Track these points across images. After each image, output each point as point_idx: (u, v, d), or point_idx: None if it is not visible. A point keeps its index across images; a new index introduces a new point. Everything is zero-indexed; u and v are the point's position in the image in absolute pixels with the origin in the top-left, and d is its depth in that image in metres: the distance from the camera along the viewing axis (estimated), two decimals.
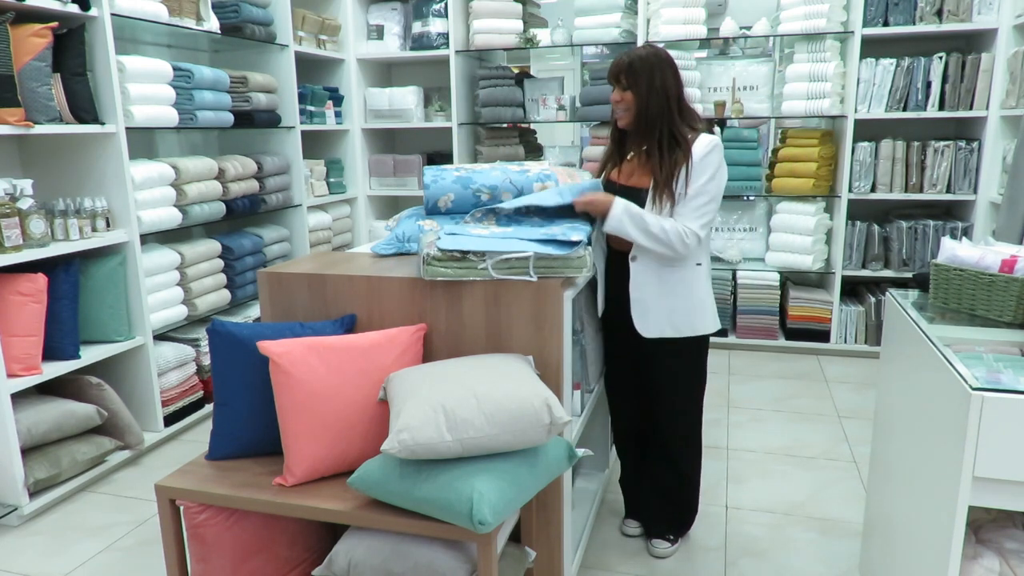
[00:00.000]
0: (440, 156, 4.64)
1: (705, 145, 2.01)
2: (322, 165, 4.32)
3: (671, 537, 2.32)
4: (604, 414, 2.68)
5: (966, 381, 1.29)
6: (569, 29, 4.24)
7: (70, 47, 2.66)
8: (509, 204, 1.99)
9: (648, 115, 2.00)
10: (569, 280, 1.84)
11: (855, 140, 3.95)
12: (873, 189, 4.02)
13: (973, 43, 3.92)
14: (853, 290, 4.40)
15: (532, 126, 4.86)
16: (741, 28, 4.10)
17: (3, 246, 2.46)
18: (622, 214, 1.96)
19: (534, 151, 4.71)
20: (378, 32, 4.49)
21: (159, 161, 3.11)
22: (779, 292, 4.26)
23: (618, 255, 2.15)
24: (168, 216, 3.10)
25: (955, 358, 1.40)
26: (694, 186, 1.99)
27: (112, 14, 2.76)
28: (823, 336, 4.20)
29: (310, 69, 4.30)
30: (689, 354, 2.17)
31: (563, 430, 1.54)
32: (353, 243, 4.67)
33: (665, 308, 2.08)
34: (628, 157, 2.15)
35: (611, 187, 2.15)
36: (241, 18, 3.46)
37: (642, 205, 2.03)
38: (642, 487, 2.39)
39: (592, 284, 2.26)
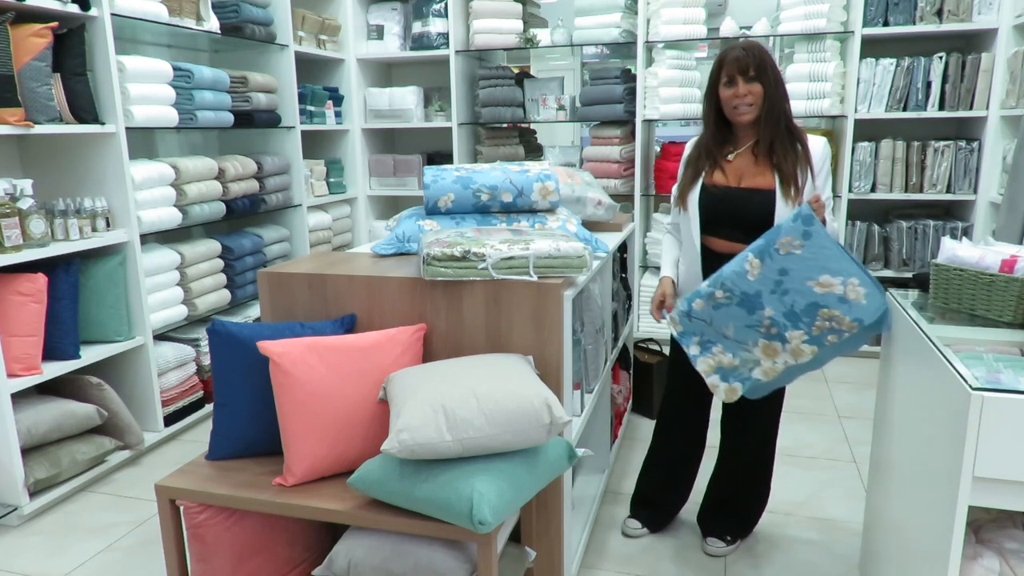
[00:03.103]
0: (440, 156, 4.64)
1: (821, 144, 2.02)
2: (322, 165, 4.32)
3: (728, 538, 2.32)
4: (604, 414, 2.68)
5: (966, 381, 1.29)
6: (569, 29, 4.24)
7: (70, 47, 2.66)
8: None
9: (776, 107, 1.98)
10: (569, 280, 1.84)
11: (855, 140, 3.95)
12: (873, 189, 4.02)
13: (973, 43, 3.92)
14: None
15: (532, 126, 4.86)
16: (741, 28, 4.10)
17: (3, 246, 2.46)
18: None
19: (534, 151, 4.71)
20: (378, 32, 4.49)
21: (159, 161, 3.11)
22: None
23: (719, 257, 2.01)
24: (168, 216, 3.10)
25: (955, 358, 1.40)
26: (820, 182, 2.00)
27: (112, 14, 2.76)
28: None
29: (310, 69, 4.30)
30: None
31: (563, 430, 1.54)
32: (353, 243, 4.67)
33: None
34: (729, 158, 2.06)
35: (717, 191, 2.05)
36: (241, 18, 3.46)
37: (768, 207, 1.97)
38: (711, 489, 2.38)
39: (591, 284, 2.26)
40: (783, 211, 1.96)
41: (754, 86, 1.96)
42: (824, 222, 1.84)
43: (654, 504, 2.45)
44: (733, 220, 2.02)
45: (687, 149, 2.19)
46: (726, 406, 2.26)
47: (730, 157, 2.07)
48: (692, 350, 1.97)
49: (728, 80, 1.98)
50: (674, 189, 2.20)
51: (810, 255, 1.78)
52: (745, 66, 1.95)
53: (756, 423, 2.24)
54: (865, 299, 1.77)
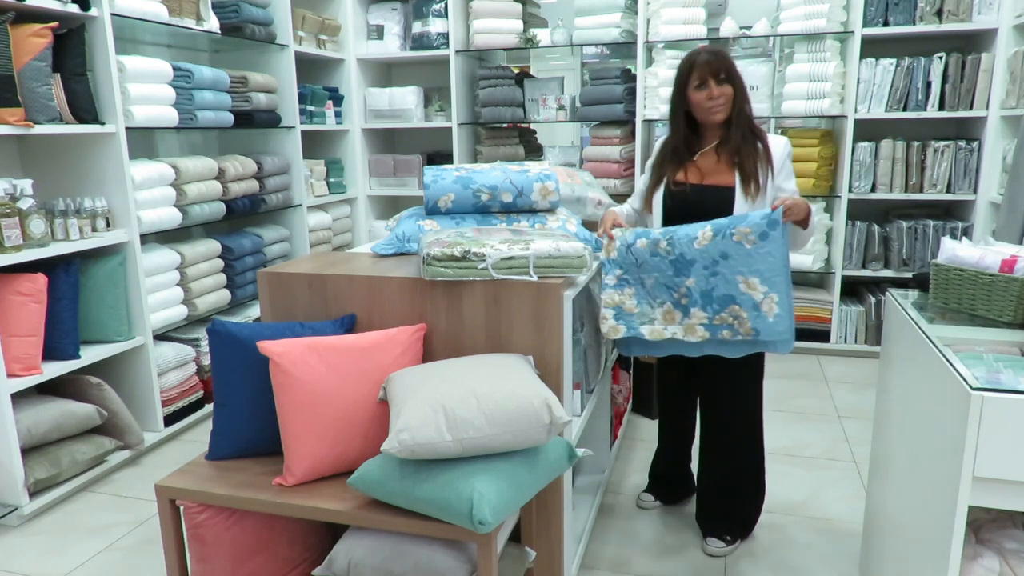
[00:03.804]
0: (440, 156, 4.64)
1: (783, 143, 2.12)
2: (322, 165, 4.32)
3: (728, 538, 2.32)
4: (604, 414, 2.68)
5: (966, 381, 1.29)
6: (569, 29, 4.24)
7: (70, 47, 2.66)
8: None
9: (744, 108, 2.09)
10: (569, 280, 1.84)
11: (855, 140, 3.95)
12: (873, 189, 4.02)
13: (973, 43, 3.92)
14: (853, 290, 4.39)
15: (532, 126, 4.86)
16: (741, 28, 4.10)
17: (3, 246, 2.46)
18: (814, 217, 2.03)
19: (534, 151, 4.71)
20: (378, 32, 4.49)
21: (159, 161, 3.11)
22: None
23: None
24: (168, 216, 3.10)
25: (955, 358, 1.40)
26: (782, 179, 2.10)
27: (112, 14, 2.76)
28: (823, 336, 4.20)
29: (310, 69, 4.30)
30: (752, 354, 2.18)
31: (563, 430, 1.54)
32: (353, 243, 4.67)
33: None
34: (694, 159, 2.16)
35: (681, 188, 2.14)
36: (241, 18, 3.46)
37: (728, 203, 2.06)
38: (701, 485, 2.41)
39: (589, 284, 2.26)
40: (742, 207, 2.07)
41: (725, 88, 2.07)
42: (808, 220, 1.97)
43: (664, 480, 2.60)
44: (696, 216, 2.08)
45: (652, 157, 2.28)
46: (702, 400, 2.34)
47: (695, 158, 2.16)
48: (608, 279, 2.08)
49: (700, 83, 2.07)
50: (639, 183, 2.31)
51: (755, 254, 1.92)
52: (716, 69, 2.06)
53: (733, 414, 2.26)
54: (773, 318, 1.93)
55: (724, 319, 1.98)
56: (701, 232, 1.96)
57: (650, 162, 2.27)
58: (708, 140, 2.15)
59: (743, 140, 2.08)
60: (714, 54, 2.07)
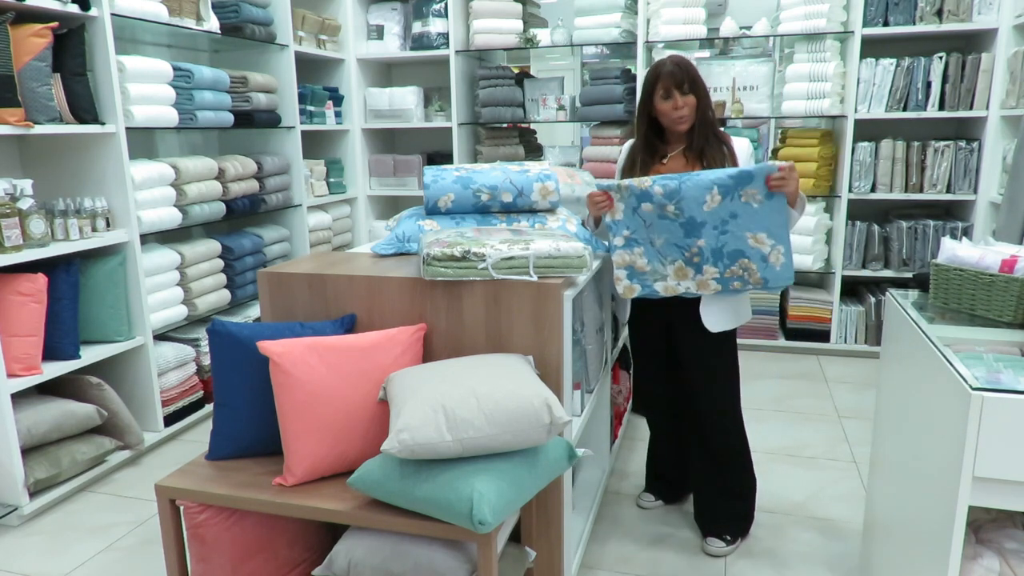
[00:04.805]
0: (440, 156, 4.64)
1: (746, 144, 2.20)
2: (322, 165, 4.32)
3: (728, 537, 2.33)
4: (604, 414, 2.68)
5: (966, 381, 1.29)
6: (569, 29, 4.24)
7: (70, 47, 2.66)
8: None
9: (708, 116, 2.16)
10: (569, 280, 1.84)
11: (855, 140, 3.95)
12: (873, 189, 4.02)
13: (973, 43, 3.92)
14: (853, 290, 4.39)
15: (532, 126, 4.86)
16: (741, 28, 4.10)
17: (3, 246, 2.46)
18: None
19: (534, 151, 4.71)
20: (378, 32, 4.49)
21: (159, 161, 3.11)
22: (779, 292, 4.26)
23: None
24: (168, 216, 3.10)
25: (955, 358, 1.40)
26: None
27: (112, 14, 2.77)
28: (823, 336, 4.20)
29: (310, 69, 4.30)
30: (728, 344, 2.26)
31: (563, 430, 1.54)
32: (353, 243, 4.67)
33: (732, 299, 2.19)
34: (663, 161, 2.21)
35: None
36: (241, 18, 3.46)
37: None
38: (694, 485, 2.44)
39: (595, 283, 2.26)
40: None
41: (689, 98, 2.13)
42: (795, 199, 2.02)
43: (663, 477, 2.61)
44: None
45: (620, 160, 2.33)
46: (681, 401, 2.37)
47: (664, 160, 2.22)
48: (617, 240, 2.11)
49: (665, 93, 2.13)
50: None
51: (762, 211, 1.97)
52: (680, 80, 2.11)
53: (710, 413, 2.30)
54: (780, 267, 2.02)
55: (735, 272, 2.05)
56: (709, 196, 1.98)
57: (620, 166, 2.32)
58: (674, 144, 2.22)
59: (707, 144, 2.15)
60: (678, 65, 2.12)
